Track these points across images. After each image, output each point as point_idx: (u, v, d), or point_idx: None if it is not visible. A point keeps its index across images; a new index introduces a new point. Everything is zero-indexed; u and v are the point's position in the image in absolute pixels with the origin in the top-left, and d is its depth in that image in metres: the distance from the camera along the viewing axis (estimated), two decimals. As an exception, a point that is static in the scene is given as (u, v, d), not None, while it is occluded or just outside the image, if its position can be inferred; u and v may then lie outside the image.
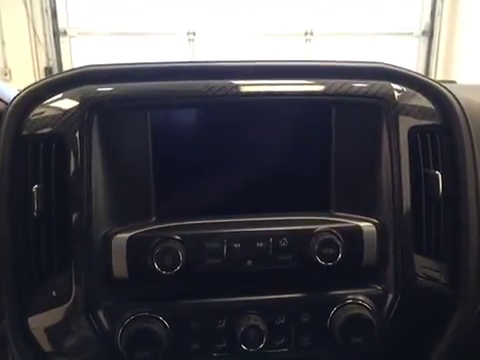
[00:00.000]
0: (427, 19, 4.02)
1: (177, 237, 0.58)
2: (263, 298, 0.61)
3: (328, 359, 0.63)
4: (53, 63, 3.49)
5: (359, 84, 0.63)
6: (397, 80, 0.64)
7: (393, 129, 0.62)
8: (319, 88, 0.62)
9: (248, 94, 0.62)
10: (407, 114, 0.63)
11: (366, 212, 0.62)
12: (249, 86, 0.62)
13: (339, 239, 0.59)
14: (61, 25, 3.58)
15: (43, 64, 3.44)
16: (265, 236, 0.60)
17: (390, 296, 0.62)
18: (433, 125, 0.64)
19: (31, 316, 0.60)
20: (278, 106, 0.64)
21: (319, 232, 0.60)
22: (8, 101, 0.63)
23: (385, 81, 0.64)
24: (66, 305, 0.58)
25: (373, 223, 0.61)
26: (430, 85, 0.65)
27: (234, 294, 0.61)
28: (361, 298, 0.61)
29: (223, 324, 0.60)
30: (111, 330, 0.58)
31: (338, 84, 0.62)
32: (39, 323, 0.60)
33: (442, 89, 0.65)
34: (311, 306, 0.61)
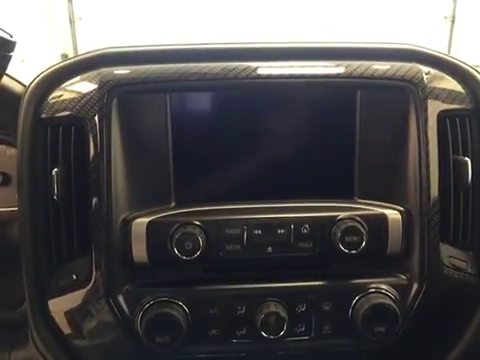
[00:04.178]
0: (450, 4, 3.90)
1: (197, 222, 0.58)
2: (284, 285, 0.60)
3: (349, 348, 0.62)
4: (69, 50, 3.50)
5: (386, 66, 0.60)
6: (426, 62, 0.62)
7: (421, 113, 0.59)
8: (344, 70, 0.60)
9: (270, 77, 0.60)
10: (436, 98, 0.60)
11: (391, 199, 0.60)
12: (271, 68, 0.60)
13: (363, 227, 0.57)
14: (77, 12, 3.58)
15: (59, 51, 3.45)
16: (286, 223, 0.59)
17: (415, 286, 0.60)
18: (463, 109, 0.61)
19: (51, 299, 0.60)
20: (301, 89, 0.62)
21: (342, 219, 0.58)
22: (26, 84, 0.62)
23: (413, 63, 0.61)
24: (86, 289, 0.58)
25: (398, 211, 0.60)
26: (461, 67, 0.63)
27: (254, 281, 0.60)
28: (385, 287, 0.59)
29: (243, 311, 0.59)
30: (131, 314, 0.58)
31: (364, 66, 0.60)
32: (59, 306, 0.60)
33: (474, 72, 0.62)
34: (333, 294, 0.60)
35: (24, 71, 0.71)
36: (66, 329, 0.61)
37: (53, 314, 0.60)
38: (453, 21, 3.92)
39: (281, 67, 0.60)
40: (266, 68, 0.60)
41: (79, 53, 0.64)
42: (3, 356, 0.70)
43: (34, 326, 0.61)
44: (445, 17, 3.93)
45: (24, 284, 0.61)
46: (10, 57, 0.57)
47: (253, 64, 0.60)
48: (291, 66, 0.61)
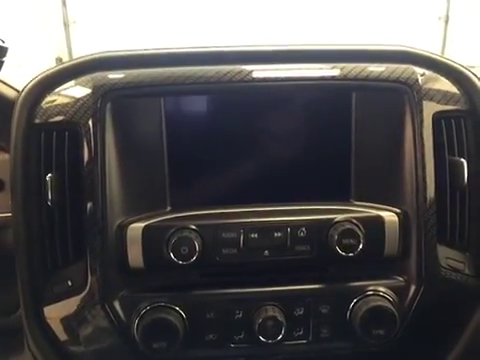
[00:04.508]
0: (443, 4, 3.92)
1: (193, 227, 0.57)
2: (281, 289, 0.60)
3: (348, 351, 0.61)
4: (64, 53, 3.49)
5: (381, 68, 0.60)
6: (420, 63, 0.62)
7: (417, 115, 0.60)
8: (339, 72, 0.60)
9: (265, 80, 0.60)
10: (431, 99, 0.60)
11: (388, 201, 0.60)
12: (266, 71, 0.60)
13: (360, 229, 0.57)
14: (71, 15, 3.57)
15: (54, 55, 3.44)
16: (283, 226, 0.58)
17: (412, 287, 0.60)
18: (458, 110, 0.61)
19: (46, 306, 0.60)
20: (296, 92, 0.62)
21: (339, 222, 0.58)
22: (20, 89, 0.62)
23: (408, 64, 0.61)
24: (82, 295, 0.58)
25: (395, 213, 0.60)
26: (455, 69, 0.63)
27: (251, 285, 0.60)
28: (382, 289, 0.59)
29: (240, 315, 0.59)
30: (127, 320, 0.58)
31: (359, 68, 0.60)
32: (55, 313, 0.60)
33: (468, 73, 0.62)
34: (330, 297, 0.60)
35: (20, 76, 0.71)
36: (62, 336, 0.60)
37: (49, 321, 0.60)
38: (447, 21, 3.93)
39: (276, 70, 0.60)
40: (261, 71, 0.60)
41: (74, 57, 0.64)
42: (-2, 363, 0.69)
43: (29, 333, 0.61)
44: (439, 17, 3.95)
45: (19, 290, 0.60)
46: (2, 63, 0.57)
47: (247, 67, 0.60)
48: (286, 69, 0.60)
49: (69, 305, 0.59)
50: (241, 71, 0.59)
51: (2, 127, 0.64)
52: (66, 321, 0.59)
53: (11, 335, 0.68)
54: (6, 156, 0.73)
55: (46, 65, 0.64)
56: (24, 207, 0.58)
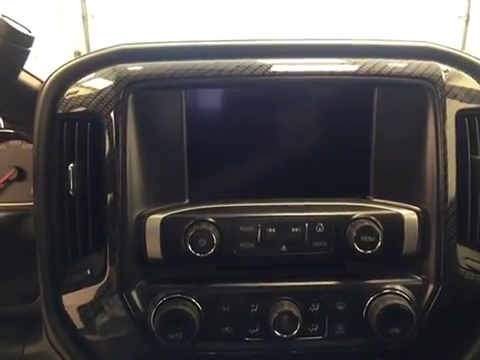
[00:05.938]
0: (464, 3, 3.84)
1: (211, 220, 0.57)
2: (297, 284, 0.60)
3: (363, 349, 0.61)
4: (81, 47, 3.52)
5: (404, 64, 0.60)
6: (444, 60, 0.61)
7: (440, 112, 0.59)
8: (362, 68, 0.59)
9: (286, 74, 0.60)
10: (455, 97, 0.59)
11: (407, 199, 0.60)
12: (287, 66, 0.60)
13: (378, 227, 0.57)
14: (90, 9, 3.60)
15: (72, 48, 3.47)
16: (300, 221, 0.58)
17: (430, 287, 0.59)
18: None
19: (65, 293, 0.61)
20: (317, 87, 0.61)
21: (357, 219, 0.58)
22: (43, 80, 0.63)
23: (431, 61, 0.60)
24: (100, 284, 0.59)
25: (415, 211, 0.59)
26: (479, 66, 0.62)
27: (268, 279, 0.60)
28: (400, 288, 0.59)
29: (256, 309, 0.59)
30: (144, 310, 0.58)
31: (382, 64, 0.59)
32: (73, 301, 0.61)
33: None
34: (347, 294, 0.59)
35: (38, 67, 0.72)
36: (79, 324, 0.61)
37: (67, 309, 0.61)
38: (467, 21, 3.86)
39: (297, 64, 0.60)
40: (282, 65, 0.60)
41: (92, 50, 0.65)
42: (17, 350, 0.70)
43: (48, 320, 0.62)
44: (459, 16, 3.87)
45: (38, 278, 0.61)
46: (28, 52, 0.57)
47: (269, 61, 0.59)
48: (308, 63, 0.60)
49: (87, 294, 0.59)
50: (263, 65, 0.59)
51: (25, 117, 0.65)
52: (84, 309, 0.60)
53: (30, 322, 0.69)
54: (28, 146, 0.74)
55: (63, 58, 0.65)
56: (46, 196, 0.59)
